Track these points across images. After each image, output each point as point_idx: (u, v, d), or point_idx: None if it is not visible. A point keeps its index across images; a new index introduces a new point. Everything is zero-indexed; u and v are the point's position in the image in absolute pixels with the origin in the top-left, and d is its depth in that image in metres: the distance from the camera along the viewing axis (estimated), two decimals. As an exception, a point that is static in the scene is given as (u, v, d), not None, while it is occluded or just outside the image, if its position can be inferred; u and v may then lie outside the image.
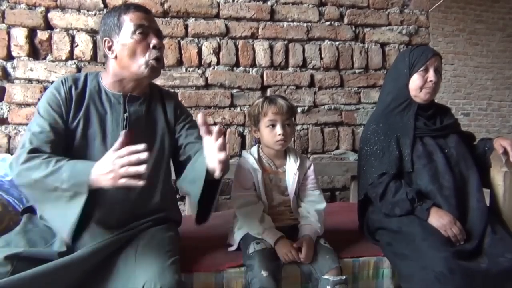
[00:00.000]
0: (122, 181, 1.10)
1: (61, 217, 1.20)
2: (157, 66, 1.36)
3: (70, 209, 1.17)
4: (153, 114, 1.46)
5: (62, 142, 1.31)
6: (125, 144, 1.12)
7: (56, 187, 1.17)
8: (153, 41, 1.34)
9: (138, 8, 1.38)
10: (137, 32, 1.33)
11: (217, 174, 1.16)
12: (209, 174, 1.21)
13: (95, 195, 1.26)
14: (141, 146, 1.09)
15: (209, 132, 1.18)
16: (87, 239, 1.27)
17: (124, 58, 1.34)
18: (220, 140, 1.13)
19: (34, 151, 1.23)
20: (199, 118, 1.17)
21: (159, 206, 1.42)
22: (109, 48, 1.37)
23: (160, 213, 1.43)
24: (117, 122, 1.37)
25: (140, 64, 1.33)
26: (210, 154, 1.16)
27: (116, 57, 1.36)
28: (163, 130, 1.47)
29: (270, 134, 1.56)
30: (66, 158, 1.22)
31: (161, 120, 1.47)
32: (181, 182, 1.45)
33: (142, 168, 1.08)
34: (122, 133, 1.15)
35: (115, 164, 1.10)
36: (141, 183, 1.10)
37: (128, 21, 1.33)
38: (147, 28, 1.35)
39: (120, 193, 1.30)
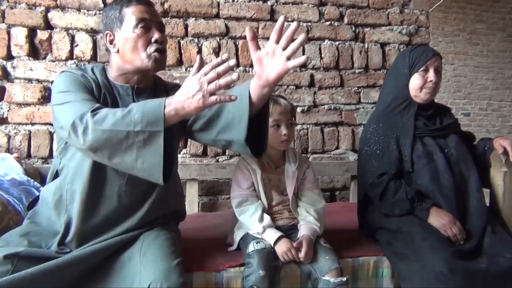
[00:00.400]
0: (213, 99, 1.05)
1: (145, 162, 1.13)
2: (160, 58, 1.33)
3: (151, 152, 1.11)
4: None
5: None
6: (201, 67, 1.08)
7: (128, 132, 1.10)
8: (155, 35, 1.31)
9: (140, 0, 1.34)
10: (139, 26, 1.30)
11: (303, 59, 1.07)
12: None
13: (100, 189, 1.26)
14: (225, 55, 1.04)
15: (258, 47, 1.15)
16: (91, 236, 1.27)
17: (126, 52, 1.32)
18: (300, 39, 1.07)
19: (95, 110, 1.15)
20: (247, 31, 1.13)
21: (165, 197, 1.40)
22: (111, 42, 1.34)
23: (166, 205, 1.42)
24: None
25: (142, 58, 1.30)
26: (275, 59, 1.11)
27: (118, 51, 1.33)
28: None
29: (275, 134, 1.56)
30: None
31: None
32: (216, 134, 1.32)
33: (234, 76, 1.03)
34: (198, 57, 1.11)
35: (202, 82, 1.05)
36: (234, 97, 1.04)
37: (130, 15, 1.30)
38: (149, 21, 1.32)
39: (128, 185, 1.29)
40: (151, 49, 1.31)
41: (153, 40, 1.31)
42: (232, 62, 1.06)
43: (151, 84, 1.44)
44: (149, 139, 1.11)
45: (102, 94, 1.32)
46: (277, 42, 1.13)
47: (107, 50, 1.38)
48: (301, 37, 1.09)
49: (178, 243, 1.37)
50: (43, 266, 1.12)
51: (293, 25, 1.09)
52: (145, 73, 1.37)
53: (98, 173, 1.26)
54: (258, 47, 1.16)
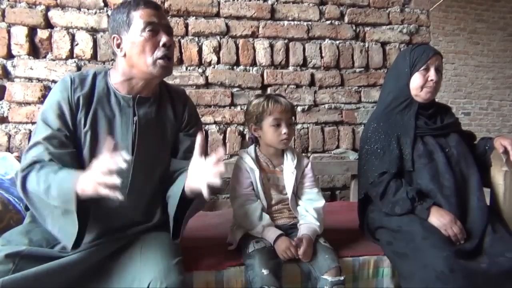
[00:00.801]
0: (103, 191, 1.04)
1: (61, 229, 1.20)
2: (166, 65, 1.31)
3: (67, 224, 1.16)
4: (163, 115, 1.42)
5: (67, 151, 1.26)
6: (110, 149, 1.07)
7: (48, 203, 1.18)
8: (163, 39, 1.29)
9: (148, 4, 1.32)
10: (147, 29, 1.28)
11: (205, 195, 1.13)
12: (184, 192, 1.25)
13: (99, 205, 1.25)
14: (123, 164, 1.04)
15: (203, 154, 1.20)
16: (92, 239, 1.27)
17: (133, 56, 1.29)
18: (220, 168, 1.11)
19: (29, 166, 1.21)
20: (198, 139, 1.20)
21: (164, 210, 1.40)
22: (118, 45, 1.32)
23: (166, 218, 1.42)
24: (127, 126, 1.33)
25: (148, 63, 1.28)
26: (201, 175, 1.14)
27: (125, 55, 1.31)
28: (172, 132, 1.44)
29: (275, 133, 1.56)
30: (56, 170, 1.17)
31: (170, 121, 1.43)
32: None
33: (116, 180, 1.02)
34: (108, 138, 1.11)
35: (96, 171, 1.06)
36: (119, 197, 1.03)
37: (138, 18, 1.28)
38: (157, 25, 1.30)
39: (129, 200, 1.29)
40: (158, 53, 1.29)
41: (161, 43, 1.29)
42: (123, 164, 1.04)
43: (156, 91, 1.42)
44: (66, 213, 1.16)
45: (92, 111, 1.31)
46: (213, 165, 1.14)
47: (114, 53, 1.36)
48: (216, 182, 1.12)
49: (178, 243, 1.37)
50: (46, 266, 1.12)
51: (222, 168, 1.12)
52: (150, 80, 1.35)
53: None
54: (203, 153, 1.21)
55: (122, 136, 1.32)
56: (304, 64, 2.53)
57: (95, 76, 1.37)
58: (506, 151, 1.63)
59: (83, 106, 1.30)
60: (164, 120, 1.42)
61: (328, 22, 2.56)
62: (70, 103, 1.29)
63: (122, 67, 1.34)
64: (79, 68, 2.23)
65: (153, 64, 1.29)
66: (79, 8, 2.24)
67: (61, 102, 1.29)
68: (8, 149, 2.13)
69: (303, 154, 2.42)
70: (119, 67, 1.35)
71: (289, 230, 1.53)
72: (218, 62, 2.41)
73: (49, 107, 1.29)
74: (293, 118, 1.64)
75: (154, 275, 1.14)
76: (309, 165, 1.66)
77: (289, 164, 1.61)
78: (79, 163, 1.27)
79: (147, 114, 1.37)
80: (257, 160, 1.60)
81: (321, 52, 2.55)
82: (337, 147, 2.58)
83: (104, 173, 1.03)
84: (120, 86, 1.35)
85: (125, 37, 1.30)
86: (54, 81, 2.18)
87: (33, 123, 2.16)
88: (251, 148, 1.64)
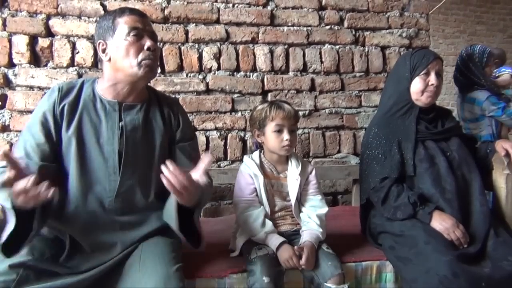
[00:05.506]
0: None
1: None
2: (150, 64, 1.33)
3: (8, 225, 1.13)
4: (151, 122, 1.43)
5: (45, 164, 1.28)
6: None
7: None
8: (147, 43, 1.33)
9: (133, 11, 1.37)
10: (131, 34, 1.31)
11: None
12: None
13: (91, 210, 1.29)
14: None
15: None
16: (92, 252, 1.28)
17: (118, 60, 1.32)
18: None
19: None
20: (205, 160, 1.23)
21: (161, 216, 1.40)
22: (103, 50, 1.36)
23: (163, 223, 1.43)
24: (113, 131, 1.35)
25: (132, 64, 1.31)
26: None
27: (110, 59, 1.34)
28: (162, 139, 1.44)
29: (277, 139, 1.56)
30: None
31: (159, 127, 1.44)
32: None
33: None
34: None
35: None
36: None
37: (123, 24, 1.32)
38: (142, 30, 1.34)
39: (119, 202, 1.32)
40: (143, 56, 1.32)
41: (145, 47, 1.32)
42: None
43: (143, 98, 1.43)
44: (7, 214, 1.14)
45: (77, 117, 1.33)
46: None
47: (100, 60, 1.39)
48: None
49: (178, 249, 1.37)
50: (49, 284, 1.12)
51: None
52: (135, 83, 1.37)
53: (83, 192, 1.30)
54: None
55: (108, 140, 1.34)
56: (304, 69, 2.53)
57: (82, 83, 1.40)
58: (507, 154, 1.63)
59: (68, 113, 1.33)
60: (152, 126, 1.44)
61: (328, 27, 2.56)
62: (55, 113, 1.32)
63: (108, 72, 1.37)
64: (80, 76, 2.23)
65: (138, 65, 1.32)
66: (79, 16, 2.25)
67: (46, 112, 1.32)
68: (10, 158, 2.13)
69: (304, 159, 2.42)
70: (105, 73, 1.38)
71: (292, 237, 1.53)
72: (219, 68, 2.41)
73: (35, 117, 1.33)
74: (297, 125, 1.64)
75: (153, 283, 1.14)
76: (313, 172, 1.66)
77: (293, 171, 1.61)
78: (59, 175, 1.31)
79: (133, 120, 1.38)
80: (261, 166, 1.60)
81: (321, 57, 2.55)
82: (338, 151, 2.58)
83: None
84: (106, 91, 1.38)
85: (110, 42, 1.34)
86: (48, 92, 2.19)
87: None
88: (256, 154, 1.64)
